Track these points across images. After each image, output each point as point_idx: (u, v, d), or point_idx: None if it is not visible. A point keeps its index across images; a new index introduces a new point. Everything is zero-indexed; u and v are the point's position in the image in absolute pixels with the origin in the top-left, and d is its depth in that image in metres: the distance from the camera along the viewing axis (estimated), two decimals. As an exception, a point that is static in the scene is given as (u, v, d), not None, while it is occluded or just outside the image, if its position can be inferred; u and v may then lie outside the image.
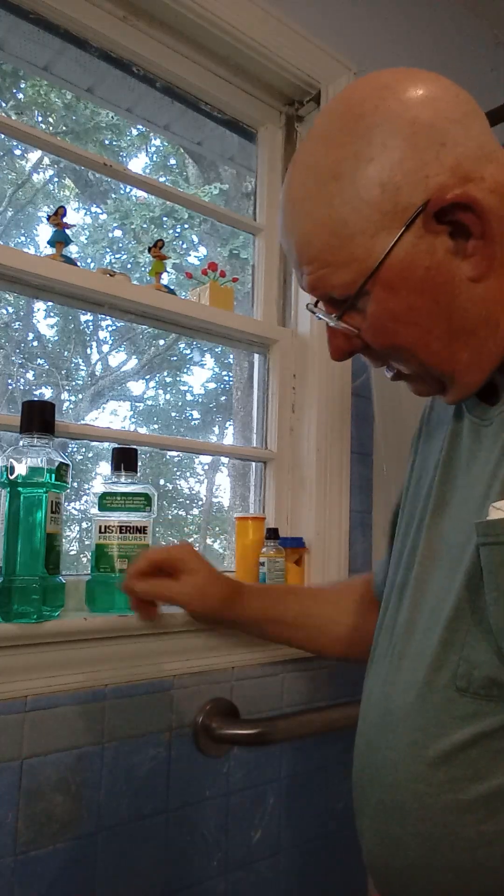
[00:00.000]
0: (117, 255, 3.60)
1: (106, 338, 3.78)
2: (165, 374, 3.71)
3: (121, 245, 3.60)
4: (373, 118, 0.60)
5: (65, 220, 1.06)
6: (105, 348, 3.78)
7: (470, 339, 0.63)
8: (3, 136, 1.06)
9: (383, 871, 0.64)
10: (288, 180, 0.66)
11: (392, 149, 0.59)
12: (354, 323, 0.66)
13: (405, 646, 0.66)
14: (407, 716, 0.62)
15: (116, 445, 1.01)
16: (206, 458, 3.71)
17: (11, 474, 0.84)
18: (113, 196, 3.50)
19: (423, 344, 0.63)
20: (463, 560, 0.61)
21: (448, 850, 0.58)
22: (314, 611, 0.90)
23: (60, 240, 1.05)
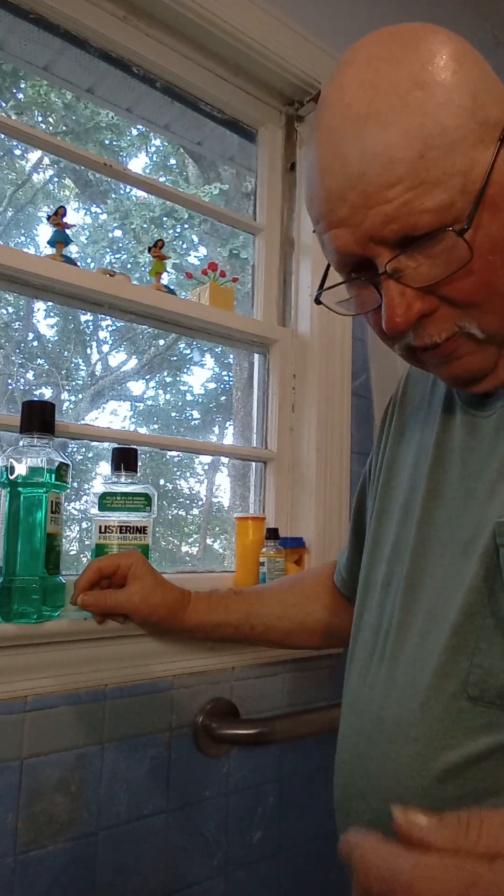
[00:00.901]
0: (117, 255, 3.60)
1: (106, 338, 3.78)
2: (165, 374, 3.71)
3: (121, 245, 3.60)
4: (432, 39, 0.55)
5: (65, 220, 1.06)
6: (105, 348, 3.78)
7: None
8: (3, 136, 1.06)
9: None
10: (337, 105, 0.55)
11: (466, 63, 0.54)
12: (439, 266, 0.54)
13: (398, 649, 0.63)
14: (409, 725, 0.58)
15: (116, 445, 1.01)
16: (206, 458, 3.71)
17: (11, 474, 0.84)
18: (113, 196, 3.50)
19: None
20: (470, 559, 0.58)
21: None
22: (258, 610, 0.90)
23: (60, 240, 1.05)
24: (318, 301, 0.65)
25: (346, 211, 0.55)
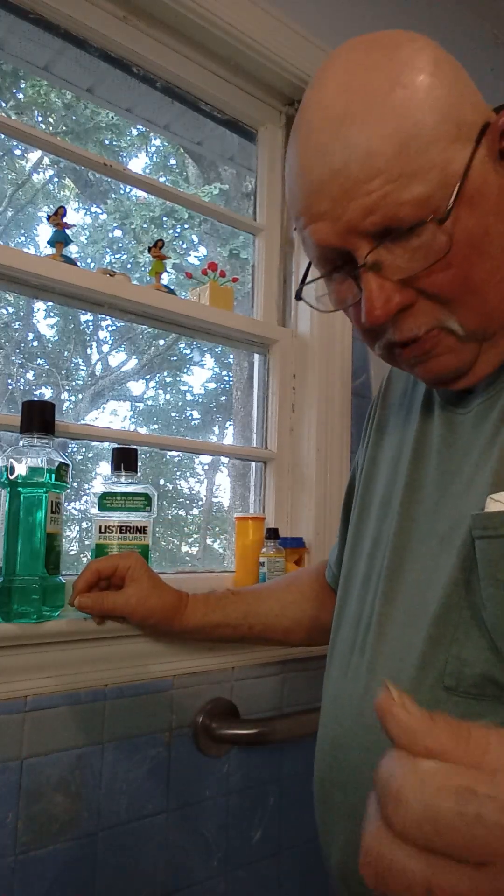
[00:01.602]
0: (117, 255, 3.60)
1: (106, 338, 3.78)
2: (165, 374, 3.71)
3: (121, 245, 3.60)
4: (411, 47, 0.56)
5: (65, 220, 1.06)
6: (105, 348, 3.78)
7: None
8: (3, 136, 1.06)
9: (357, 881, 0.59)
10: (318, 105, 0.57)
11: (443, 69, 0.56)
12: (417, 258, 0.55)
13: (379, 641, 0.63)
14: None
15: (116, 445, 1.01)
16: (206, 458, 3.71)
17: (11, 474, 0.84)
18: (113, 196, 3.50)
19: (495, 281, 0.57)
20: (448, 552, 0.59)
21: None
22: (256, 609, 0.91)
23: (60, 240, 1.05)
24: (298, 297, 0.65)
25: (327, 204, 0.56)
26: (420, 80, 0.54)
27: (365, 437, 0.83)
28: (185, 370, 3.77)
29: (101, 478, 1.01)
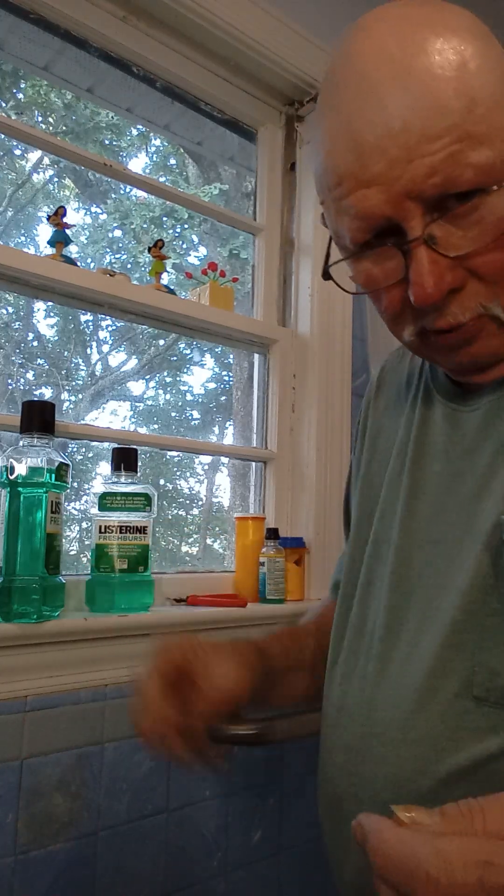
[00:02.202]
0: (117, 255, 3.60)
1: (106, 338, 3.77)
2: (165, 374, 3.71)
3: (121, 245, 3.60)
4: (460, 11, 0.54)
5: (65, 220, 1.06)
6: (105, 348, 3.78)
7: None
8: (3, 136, 1.06)
9: None
10: (375, 54, 0.52)
11: (494, 38, 0.54)
12: (474, 235, 0.51)
13: (389, 649, 0.60)
14: (405, 727, 0.56)
15: (116, 445, 1.01)
16: (206, 458, 3.71)
17: (11, 474, 0.84)
18: (113, 196, 3.50)
19: None
20: (463, 556, 0.56)
21: None
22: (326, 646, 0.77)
23: (60, 240, 1.05)
24: (326, 276, 0.60)
25: (383, 166, 0.50)
26: (479, 43, 0.52)
27: (359, 438, 0.79)
28: (185, 370, 3.77)
29: (101, 478, 1.01)
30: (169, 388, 3.81)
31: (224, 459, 2.64)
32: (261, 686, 0.70)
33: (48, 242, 1.05)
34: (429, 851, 0.35)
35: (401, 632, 0.60)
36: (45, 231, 3.59)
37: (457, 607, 0.55)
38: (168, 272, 1.19)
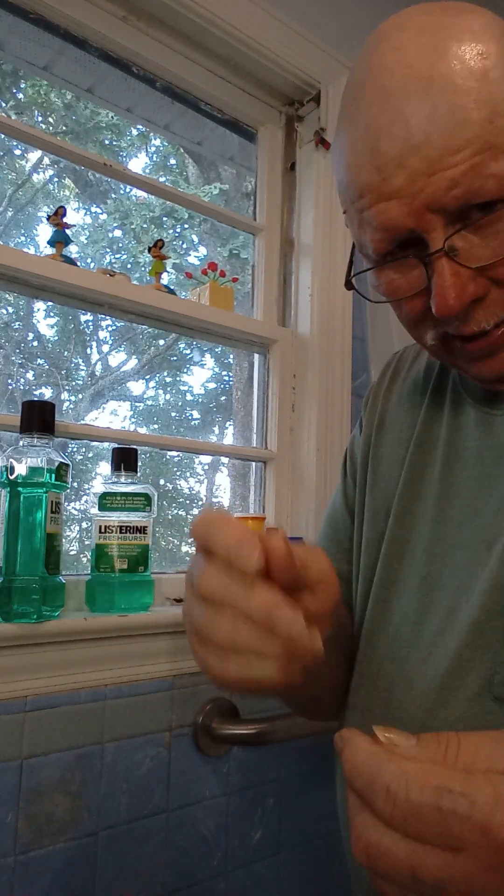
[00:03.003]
0: (117, 255, 3.60)
1: (106, 338, 3.77)
2: (165, 374, 3.71)
3: (121, 245, 3.60)
4: (482, 14, 0.54)
5: (65, 220, 1.06)
6: (105, 348, 3.78)
7: None
8: (3, 136, 1.06)
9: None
10: (396, 66, 0.52)
11: None
12: (496, 245, 0.52)
13: (411, 649, 0.60)
14: (423, 726, 0.56)
15: (116, 445, 1.01)
16: (206, 458, 3.71)
17: (11, 474, 0.84)
18: (113, 196, 3.50)
19: None
20: (491, 557, 0.56)
21: None
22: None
23: (60, 240, 1.05)
24: (349, 287, 0.61)
25: (404, 179, 0.51)
26: (502, 49, 0.51)
27: (367, 427, 0.76)
28: (185, 370, 3.77)
29: (101, 478, 1.01)
30: (169, 388, 3.81)
31: (224, 459, 2.64)
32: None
33: (48, 242, 1.05)
34: (394, 769, 0.37)
35: (423, 633, 0.60)
36: (45, 231, 3.59)
37: (479, 607, 0.55)
38: (168, 272, 1.19)
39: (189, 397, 3.80)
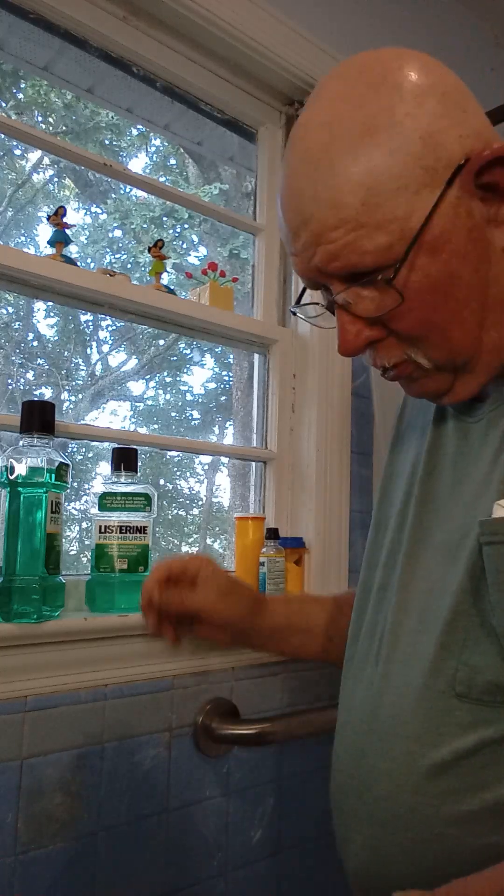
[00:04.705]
0: (117, 255, 3.60)
1: (106, 338, 3.78)
2: (165, 374, 3.71)
3: (121, 245, 3.60)
4: (398, 76, 0.57)
5: (65, 220, 1.06)
6: (105, 348, 3.78)
7: (501, 315, 0.60)
8: (3, 136, 1.06)
9: (375, 886, 0.61)
10: (299, 144, 0.59)
11: (426, 105, 0.56)
12: (378, 303, 0.59)
13: (392, 649, 0.64)
14: (400, 723, 0.60)
15: (116, 445, 1.01)
16: (206, 458, 3.71)
17: (11, 474, 0.84)
18: (113, 196, 3.50)
19: (459, 320, 0.59)
20: (458, 559, 0.59)
21: (449, 864, 0.55)
22: (341, 622, 0.85)
23: (60, 240, 1.05)
24: (294, 312, 0.71)
25: (301, 245, 0.60)
26: (397, 121, 0.55)
27: (394, 431, 0.83)
28: (185, 370, 3.78)
29: (101, 478, 1.01)
30: (169, 388, 3.82)
31: (224, 459, 2.64)
32: (249, 622, 0.85)
33: (48, 242, 1.05)
34: None
35: (403, 633, 0.63)
36: (45, 231, 3.60)
37: (448, 608, 0.58)
38: (168, 272, 1.19)
39: (189, 397, 3.80)
